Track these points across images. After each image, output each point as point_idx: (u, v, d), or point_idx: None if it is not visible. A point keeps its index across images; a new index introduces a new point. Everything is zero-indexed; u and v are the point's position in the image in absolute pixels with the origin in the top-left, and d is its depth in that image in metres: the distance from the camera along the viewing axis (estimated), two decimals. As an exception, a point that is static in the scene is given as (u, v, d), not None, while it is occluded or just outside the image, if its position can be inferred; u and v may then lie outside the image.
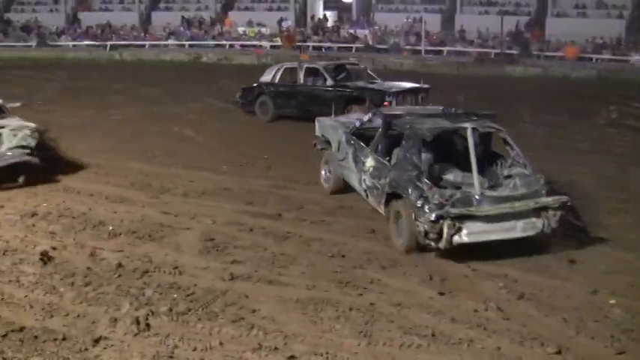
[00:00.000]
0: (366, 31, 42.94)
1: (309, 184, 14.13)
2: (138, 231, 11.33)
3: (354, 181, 12.52)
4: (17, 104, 25.32)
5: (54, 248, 10.58)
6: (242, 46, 44.23)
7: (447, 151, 12.01)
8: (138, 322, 8.11)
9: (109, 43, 45.55)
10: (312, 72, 21.41)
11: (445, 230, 9.75)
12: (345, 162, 12.76)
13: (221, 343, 7.67)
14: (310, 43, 42.89)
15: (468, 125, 10.86)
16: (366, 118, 12.98)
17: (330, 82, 20.88)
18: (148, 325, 8.12)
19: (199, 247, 10.64)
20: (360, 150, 12.25)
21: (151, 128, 20.44)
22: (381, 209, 11.22)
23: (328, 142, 13.80)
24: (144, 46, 45.30)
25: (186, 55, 42.52)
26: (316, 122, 14.80)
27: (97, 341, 7.73)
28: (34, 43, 47.39)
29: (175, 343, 7.68)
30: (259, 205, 12.78)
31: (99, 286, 9.16)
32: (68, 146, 17.70)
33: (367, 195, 11.85)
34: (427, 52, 40.82)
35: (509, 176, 10.90)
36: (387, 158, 11.45)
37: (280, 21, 45.17)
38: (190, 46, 44.80)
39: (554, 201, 10.24)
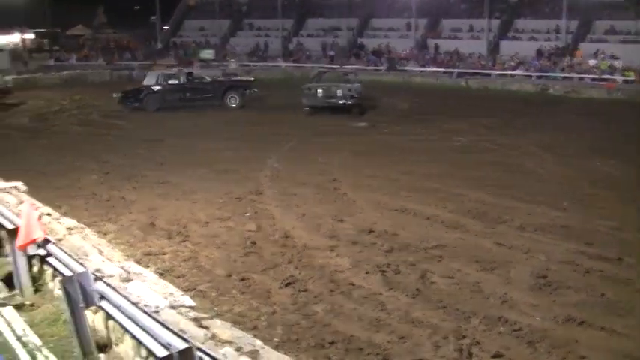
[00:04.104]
0: None
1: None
2: (470, 259, 11.28)
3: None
4: (364, 124, 26.79)
5: (388, 265, 10.88)
6: (592, 79, 42.41)
7: None
8: (461, 351, 8.04)
9: (455, 70, 46.22)
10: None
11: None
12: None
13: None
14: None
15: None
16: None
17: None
18: (470, 354, 8.02)
19: (530, 282, 10.30)
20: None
21: (488, 158, 20.33)
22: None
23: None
24: (490, 74, 45.29)
25: (533, 86, 41.66)
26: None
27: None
28: (383, 67, 49.52)
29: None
30: (599, 247, 11.97)
31: (423, 310, 9.24)
32: (410, 169, 18.26)
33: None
34: None
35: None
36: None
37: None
38: (538, 77, 43.88)
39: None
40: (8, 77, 44.57)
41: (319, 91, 30.04)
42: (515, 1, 52.62)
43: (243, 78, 37.15)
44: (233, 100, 33.08)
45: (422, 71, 47.98)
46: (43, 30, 69.19)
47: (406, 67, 48.97)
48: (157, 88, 32.62)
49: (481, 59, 47.98)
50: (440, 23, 54.14)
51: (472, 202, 14.89)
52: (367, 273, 10.61)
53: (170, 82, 32.86)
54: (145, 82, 33.25)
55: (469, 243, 12.14)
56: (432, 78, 45.64)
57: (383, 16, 56.99)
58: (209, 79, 34.24)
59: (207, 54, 51.54)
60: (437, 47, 51.12)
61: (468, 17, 52.89)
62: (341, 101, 29.69)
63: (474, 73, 45.35)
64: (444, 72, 46.81)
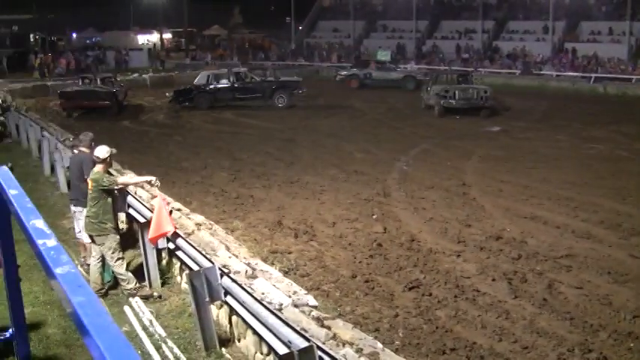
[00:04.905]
0: None
1: None
2: (601, 271, 10.88)
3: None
4: (497, 129, 26.40)
5: (515, 273, 10.67)
6: None
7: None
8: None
9: (593, 74, 44.65)
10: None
11: None
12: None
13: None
14: None
15: None
16: None
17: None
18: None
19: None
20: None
21: (625, 166, 19.52)
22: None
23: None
24: (630, 80, 43.50)
25: (674, 91, 39.88)
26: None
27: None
28: (518, 71, 48.50)
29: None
30: None
31: (549, 320, 9.00)
32: (542, 176, 17.84)
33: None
34: None
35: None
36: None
37: None
38: (681, 82, 41.82)
39: None
40: (146, 75, 46.40)
41: (457, 92, 30.21)
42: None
43: (292, 78, 37.33)
44: (281, 100, 33.40)
45: (558, 75, 46.60)
46: (180, 30, 71.80)
47: (542, 72, 47.80)
48: (207, 88, 33.46)
49: (621, 64, 46.28)
50: (578, 26, 52.62)
51: (606, 212, 14.38)
52: (493, 280, 10.45)
53: (220, 82, 33.65)
54: (196, 82, 34.12)
55: (601, 254, 11.71)
56: (569, 82, 44.26)
57: (519, 18, 55.92)
58: (258, 80, 34.36)
59: (384, 55, 51.51)
60: (574, 51, 49.66)
61: (608, 20, 51.16)
62: (480, 102, 30.05)
63: (613, 78, 43.70)
64: (582, 77, 45.32)
